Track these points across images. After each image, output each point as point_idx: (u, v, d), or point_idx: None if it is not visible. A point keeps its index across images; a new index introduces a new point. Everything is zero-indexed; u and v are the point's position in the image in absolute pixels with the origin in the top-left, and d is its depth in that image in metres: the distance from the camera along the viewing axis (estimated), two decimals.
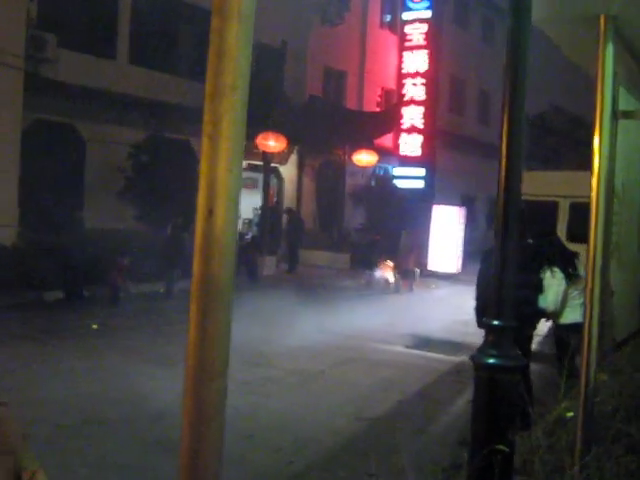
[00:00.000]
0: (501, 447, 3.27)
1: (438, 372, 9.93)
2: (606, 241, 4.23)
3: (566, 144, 32.28)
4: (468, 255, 23.74)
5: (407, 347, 11.52)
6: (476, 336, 8.44)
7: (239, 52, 1.85)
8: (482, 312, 6.79)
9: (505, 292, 3.57)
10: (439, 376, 9.71)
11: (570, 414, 4.63)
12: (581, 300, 6.74)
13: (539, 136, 31.19)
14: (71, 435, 6.44)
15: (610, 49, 4.32)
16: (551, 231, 9.88)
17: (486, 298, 6.62)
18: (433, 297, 18.72)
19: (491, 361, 3.56)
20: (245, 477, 5.84)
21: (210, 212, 1.80)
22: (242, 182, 1.87)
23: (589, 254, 4.21)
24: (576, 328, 6.45)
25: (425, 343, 11.89)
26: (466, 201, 30.23)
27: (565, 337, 6.09)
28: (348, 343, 11.42)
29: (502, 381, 3.54)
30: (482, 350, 3.65)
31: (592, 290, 4.18)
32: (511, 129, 3.64)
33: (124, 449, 6.18)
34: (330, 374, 9.44)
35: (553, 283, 6.58)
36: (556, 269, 6.64)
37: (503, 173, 3.62)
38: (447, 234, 23.30)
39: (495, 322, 3.60)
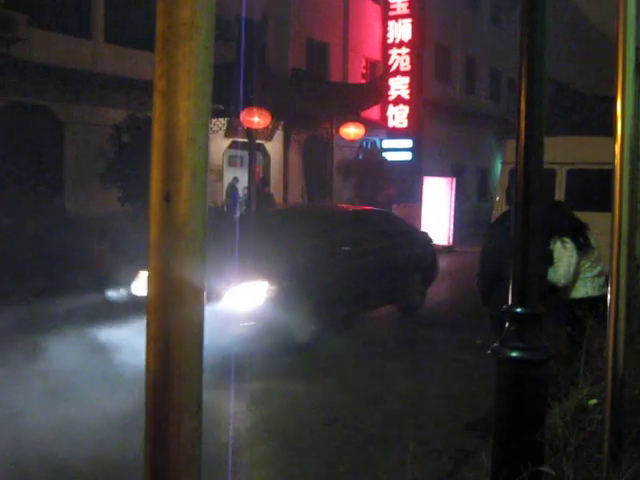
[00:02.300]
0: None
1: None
2: (631, 211, 3.76)
3: (553, 111, 31.81)
4: (460, 227, 23.30)
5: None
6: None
7: None
8: (489, 292, 6.36)
9: (529, 274, 3.05)
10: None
11: (593, 402, 4.19)
12: (593, 273, 6.31)
13: None
14: None
15: None
16: (559, 200, 9.46)
17: (493, 277, 6.20)
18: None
19: (514, 354, 3.06)
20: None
21: (167, 197, 1.29)
22: (208, 155, 1.36)
23: (613, 225, 3.75)
24: (589, 303, 6.04)
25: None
26: (456, 171, 29.80)
27: (578, 313, 5.64)
28: None
29: (528, 377, 3.05)
30: (504, 342, 3.15)
31: (618, 265, 3.69)
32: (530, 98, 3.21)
33: None
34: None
35: (564, 255, 6.12)
36: (567, 239, 6.17)
37: (523, 141, 3.17)
38: (439, 206, 22.83)
39: (518, 309, 3.09)
